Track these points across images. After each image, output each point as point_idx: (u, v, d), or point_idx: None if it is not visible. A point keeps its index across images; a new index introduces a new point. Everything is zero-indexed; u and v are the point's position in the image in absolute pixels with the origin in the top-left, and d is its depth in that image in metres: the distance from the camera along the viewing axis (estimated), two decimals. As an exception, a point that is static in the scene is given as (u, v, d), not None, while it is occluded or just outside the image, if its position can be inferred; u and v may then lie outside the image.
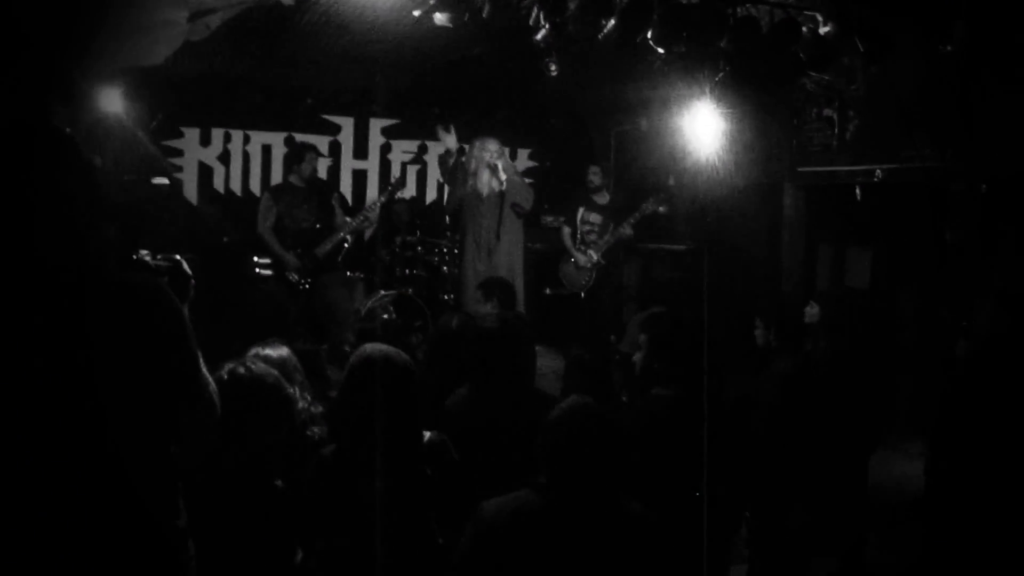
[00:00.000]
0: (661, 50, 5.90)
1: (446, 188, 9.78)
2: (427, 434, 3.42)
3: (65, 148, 2.22)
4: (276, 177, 9.89)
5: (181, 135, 10.01)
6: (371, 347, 3.42)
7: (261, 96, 9.99)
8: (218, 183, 10.26)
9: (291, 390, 3.58)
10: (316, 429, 3.78)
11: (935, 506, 4.58)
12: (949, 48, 6.04)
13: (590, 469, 2.94)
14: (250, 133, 10.33)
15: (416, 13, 6.16)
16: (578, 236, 9.53)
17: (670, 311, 5.49)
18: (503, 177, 7.92)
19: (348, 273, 8.67)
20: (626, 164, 10.85)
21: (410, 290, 9.21)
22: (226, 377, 3.17)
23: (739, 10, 5.97)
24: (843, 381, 4.97)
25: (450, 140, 8.18)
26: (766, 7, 6.13)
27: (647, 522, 3.00)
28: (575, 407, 3.06)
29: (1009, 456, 4.23)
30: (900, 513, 5.64)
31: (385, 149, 11.00)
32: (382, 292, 9.11)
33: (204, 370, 2.39)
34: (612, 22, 5.80)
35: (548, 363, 5.31)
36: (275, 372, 3.39)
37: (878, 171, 7.36)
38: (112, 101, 7.20)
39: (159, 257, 2.57)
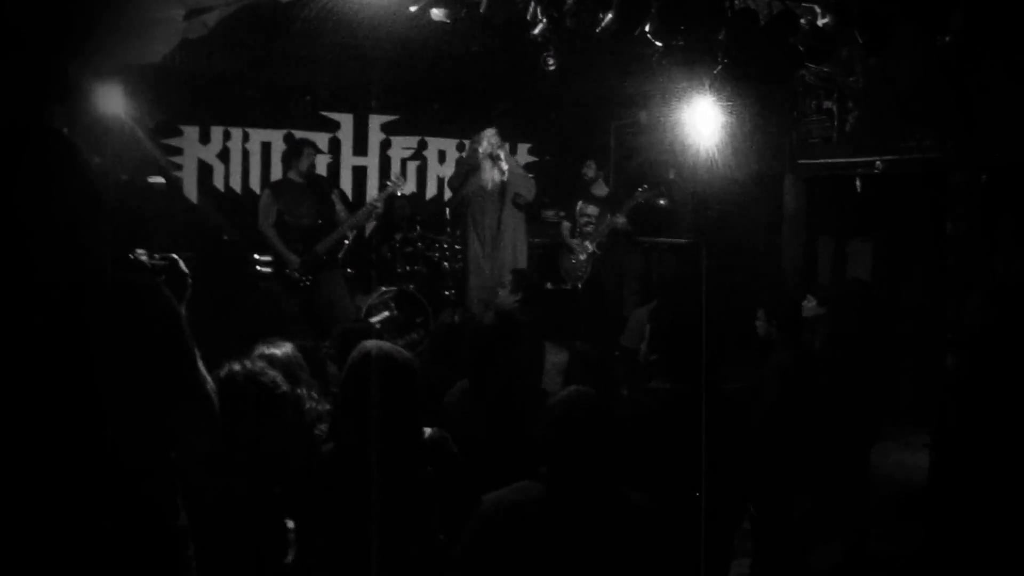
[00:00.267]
0: (659, 43, 5.88)
1: (447, 185, 9.82)
2: (427, 430, 3.42)
3: (61, 148, 2.22)
4: (276, 175, 9.85)
5: (180, 133, 10.01)
6: (371, 344, 3.41)
7: (260, 94, 9.99)
8: (218, 181, 10.26)
9: (299, 390, 3.58)
10: (323, 427, 3.77)
11: (937, 499, 4.59)
12: (948, 39, 6.03)
13: (589, 458, 2.95)
14: (249, 131, 10.33)
15: (413, 8, 6.14)
16: (577, 229, 9.60)
17: (670, 304, 5.48)
18: (504, 167, 7.94)
19: (348, 270, 8.67)
20: (626, 157, 10.87)
21: (411, 286, 9.21)
22: (223, 376, 3.17)
23: (737, 2, 5.96)
24: (843, 372, 4.98)
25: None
26: (764, -1, 6.12)
27: (648, 512, 3.00)
28: (573, 397, 3.08)
29: (1006, 450, 4.25)
30: (902, 505, 5.64)
31: (385, 145, 11.00)
32: (383, 288, 9.12)
33: (202, 369, 2.38)
34: (610, 15, 5.79)
35: (551, 358, 5.31)
36: (273, 372, 3.39)
37: (878, 163, 7.34)
38: (110, 100, 7.18)
39: (156, 256, 2.56)
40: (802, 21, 5.98)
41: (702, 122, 7.40)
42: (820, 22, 6.06)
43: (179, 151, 10.00)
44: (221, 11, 5.94)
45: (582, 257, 9.46)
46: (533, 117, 11.13)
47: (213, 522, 2.77)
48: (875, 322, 5.53)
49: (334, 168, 10.68)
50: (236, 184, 10.32)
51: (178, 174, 9.88)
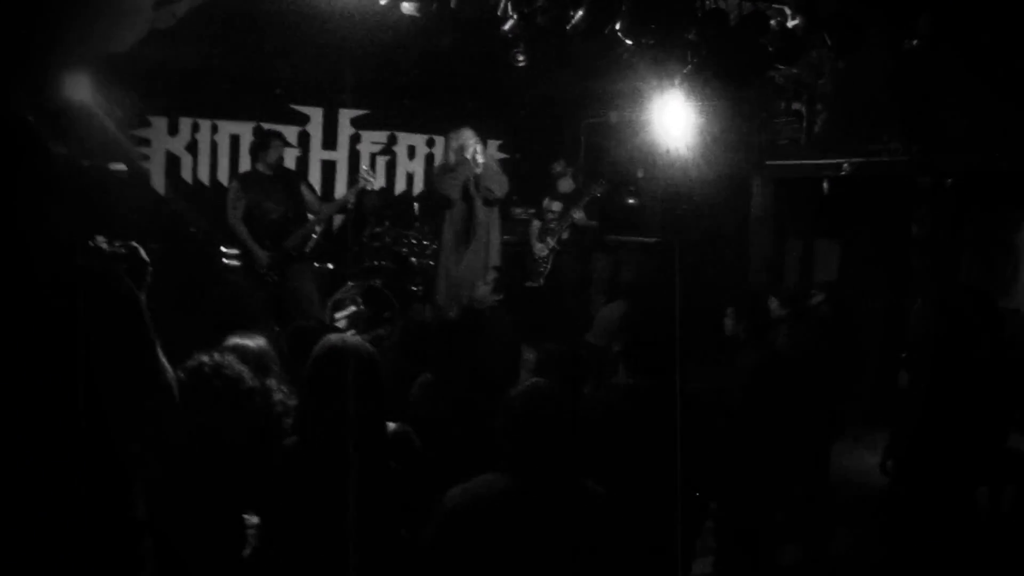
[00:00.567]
0: (629, 41, 5.90)
1: (415, 179, 9.78)
2: (391, 425, 3.41)
3: (23, 133, 2.19)
4: (244, 167, 9.76)
5: (148, 124, 9.90)
6: (335, 338, 3.39)
7: (229, 86, 9.89)
8: (186, 173, 10.17)
9: (268, 381, 3.56)
10: (291, 420, 3.75)
11: (897, 502, 4.64)
12: (915, 43, 6.08)
13: (549, 448, 2.99)
14: (218, 123, 10.24)
15: (383, 1, 6.12)
16: (544, 227, 9.63)
17: (637, 303, 5.50)
18: (480, 160, 7.96)
19: (316, 264, 8.61)
20: (596, 156, 10.87)
21: (378, 281, 9.17)
22: (190, 367, 3.15)
23: (707, 2, 5.98)
24: (806, 373, 5.00)
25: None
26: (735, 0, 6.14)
27: (607, 501, 3.04)
28: (531, 389, 3.11)
29: (959, 455, 4.32)
30: (864, 506, 5.68)
31: (354, 140, 10.95)
32: (350, 283, 9.08)
33: (162, 358, 2.36)
34: (580, 13, 5.80)
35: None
36: (240, 366, 3.36)
37: (845, 165, 7.40)
38: (78, 89, 7.12)
39: (116, 244, 2.53)
40: (772, 22, 6.02)
41: (672, 122, 7.43)
42: (790, 24, 6.09)
43: (147, 142, 9.90)
44: (190, 1, 5.90)
45: (543, 254, 9.48)
46: (503, 114, 11.11)
47: (169, 514, 2.74)
48: (834, 325, 5.59)
49: (303, 162, 10.62)
50: (204, 176, 10.24)
51: (146, 165, 9.78)
